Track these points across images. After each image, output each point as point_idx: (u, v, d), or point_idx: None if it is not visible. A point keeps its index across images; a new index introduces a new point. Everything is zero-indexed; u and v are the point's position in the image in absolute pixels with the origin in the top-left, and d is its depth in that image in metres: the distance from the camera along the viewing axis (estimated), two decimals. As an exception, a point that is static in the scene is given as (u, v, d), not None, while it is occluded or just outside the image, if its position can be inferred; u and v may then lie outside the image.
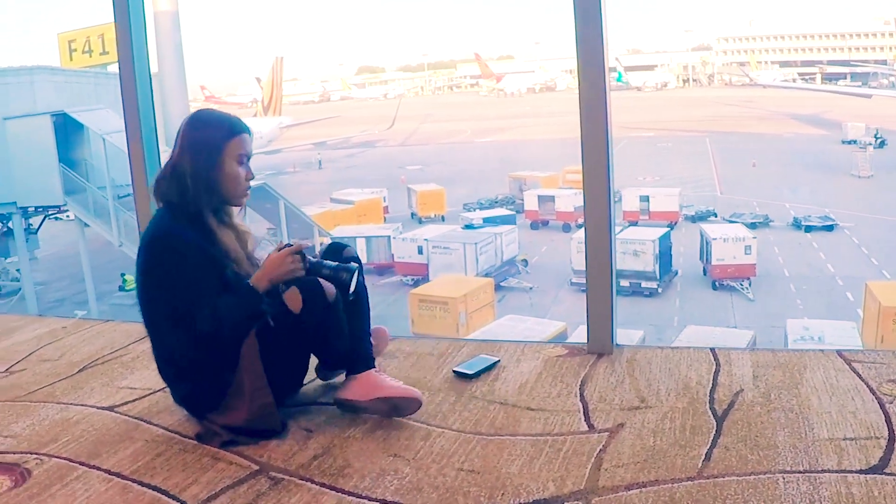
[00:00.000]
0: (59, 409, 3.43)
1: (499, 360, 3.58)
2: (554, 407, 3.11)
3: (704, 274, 31.15)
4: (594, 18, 3.38)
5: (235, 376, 2.90)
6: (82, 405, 3.46)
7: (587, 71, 3.44)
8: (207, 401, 2.99)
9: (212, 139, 2.93)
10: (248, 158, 3.02)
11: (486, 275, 30.47)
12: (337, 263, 3.07)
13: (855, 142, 50.63)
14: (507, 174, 46.04)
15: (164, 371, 3.07)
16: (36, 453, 3.00)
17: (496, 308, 27.87)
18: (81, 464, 2.89)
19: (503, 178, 46.23)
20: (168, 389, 3.14)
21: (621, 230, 32.71)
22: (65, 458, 2.94)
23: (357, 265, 3.14)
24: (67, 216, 29.01)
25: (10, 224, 27.29)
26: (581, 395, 3.21)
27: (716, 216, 37.95)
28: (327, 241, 33.92)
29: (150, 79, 4.36)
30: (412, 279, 32.22)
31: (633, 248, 30.14)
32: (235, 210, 3.09)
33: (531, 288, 31.21)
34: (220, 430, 2.95)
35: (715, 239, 30.36)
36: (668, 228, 33.87)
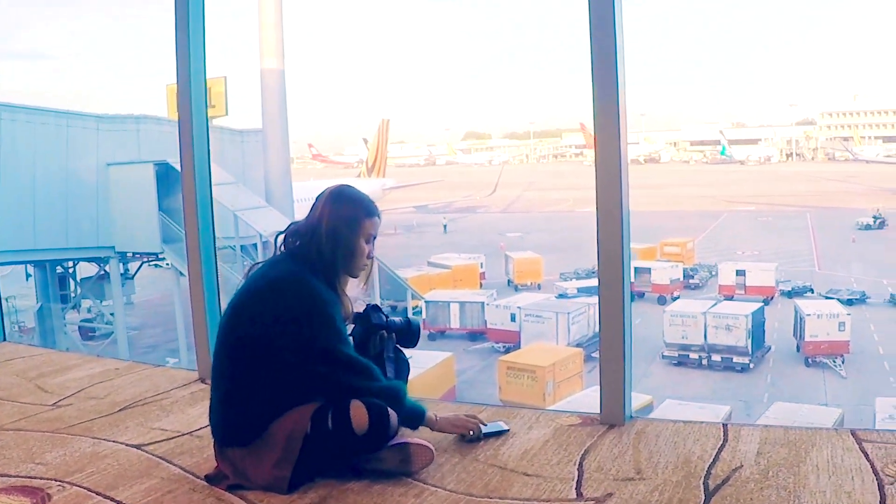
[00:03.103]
0: (91, 444, 3.68)
1: (508, 429, 3.64)
2: (549, 474, 3.18)
3: (798, 350, 30.61)
4: (611, 88, 3.51)
5: (276, 431, 3.04)
6: (114, 441, 3.70)
7: (604, 142, 3.54)
8: (250, 428, 3.07)
9: (352, 216, 3.21)
10: (374, 238, 3.30)
11: (578, 345, 30.30)
12: (404, 318, 3.50)
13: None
14: (606, 245, 45.75)
15: (231, 396, 3.12)
16: (60, 481, 3.25)
17: (585, 378, 27.63)
18: (98, 493, 3.12)
19: (602, 248, 45.97)
20: (209, 425, 3.22)
21: (714, 304, 32.44)
22: (84, 488, 3.18)
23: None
24: (167, 264, 29.81)
25: (107, 268, 28.24)
26: (580, 464, 3.27)
27: (812, 292, 37.22)
28: (420, 304, 33.92)
29: (208, 135, 4.63)
30: (504, 346, 32.32)
31: (726, 323, 29.88)
32: (348, 280, 3.32)
33: (622, 360, 30.82)
34: (230, 472, 3.12)
35: (808, 315, 29.87)
36: (763, 303, 33.52)
